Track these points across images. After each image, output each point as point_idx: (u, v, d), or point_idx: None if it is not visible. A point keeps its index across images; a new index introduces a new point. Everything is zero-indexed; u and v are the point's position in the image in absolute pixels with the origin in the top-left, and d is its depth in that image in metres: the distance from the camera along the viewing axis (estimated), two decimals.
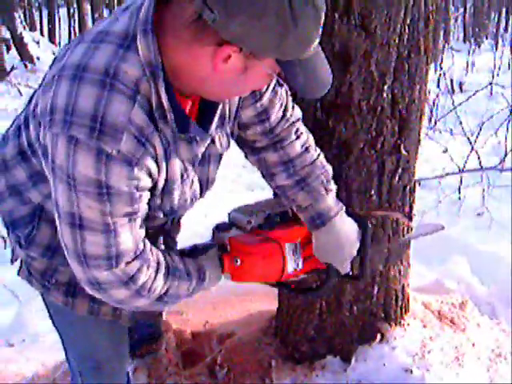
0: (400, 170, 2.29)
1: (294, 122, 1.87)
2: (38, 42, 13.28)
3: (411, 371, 2.40)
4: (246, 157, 1.96)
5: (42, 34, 16.39)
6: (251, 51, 1.35)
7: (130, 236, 1.48)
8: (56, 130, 1.35)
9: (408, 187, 2.36)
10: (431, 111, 7.62)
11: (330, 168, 1.93)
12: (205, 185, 1.77)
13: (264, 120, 1.81)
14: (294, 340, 2.58)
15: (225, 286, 3.31)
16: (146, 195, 1.49)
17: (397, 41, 2.11)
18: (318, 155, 1.91)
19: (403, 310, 2.60)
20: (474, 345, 2.67)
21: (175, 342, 2.82)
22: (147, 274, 1.56)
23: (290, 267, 1.86)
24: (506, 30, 19.29)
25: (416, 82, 2.20)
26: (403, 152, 2.26)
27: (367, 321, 2.50)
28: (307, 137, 1.91)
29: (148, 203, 1.53)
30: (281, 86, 1.77)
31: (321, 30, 1.38)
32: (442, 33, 15.17)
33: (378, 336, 2.50)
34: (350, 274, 2.01)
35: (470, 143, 5.44)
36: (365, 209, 2.29)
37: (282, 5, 1.28)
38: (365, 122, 2.18)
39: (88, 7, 15.44)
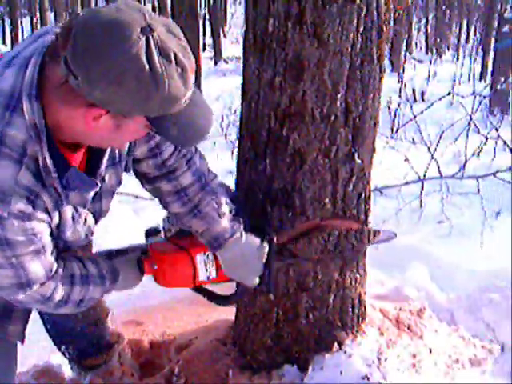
0: (354, 179, 2.30)
1: (185, 154, 1.95)
2: None
3: (368, 378, 2.40)
4: (142, 184, 2.05)
5: (4, 42, 16.24)
6: (118, 113, 1.42)
7: (39, 266, 1.63)
8: None
9: (363, 195, 2.37)
10: (393, 120, 7.70)
11: (222, 192, 2.05)
12: (98, 216, 1.87)
13: (156, 154, 1.90)
14: (252, 349, 2.57)
15: (182, 296, 3.31)
16: (46, 233, 1.62)
17: (350, 49, 2.11)
18: (212, 179, 2.02)
19: (360, 318, 2.60)
20: (431, 351, 2.68)
21: (132, 353, 2.79)
22: (62, 291, 1.73)
23: (202, 276, 2.01)
24: (466, 41, 19.61)
25: (369, 91, 2.21)
26: (357, 160, 2.27)
27: (324, 329, 2.49)
28: (199, 164, 2.00)
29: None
30: None
31: (191, 84, 1.43)
32: (404, 43, 15.35)
33: (335, 344, 2.49)
34: (263, 286, 2.12)
35: (430, 152, 5.50)
36: (319, 217, 2.29)
37: (142, 69, 1.31)
38: (318, 131, 2.18)
39: (51, 16, 15.36)
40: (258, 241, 2.07)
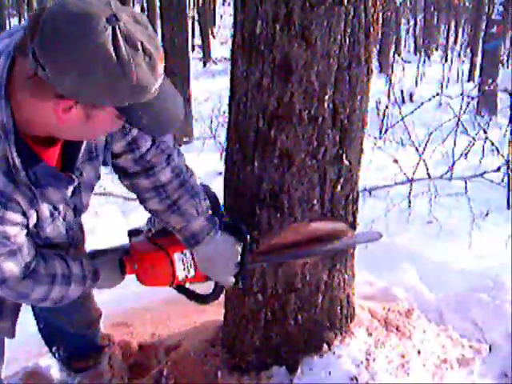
0: (342, 180, 2.30)
1: (163, 150, 1.97)
2: None
3: (356, 379, 2.41)
4: (120, 179, 2.05)
5: None
6: (87, 103, 1.42)
7: (14, 265, 1.65)
8: None
9: (351, 196, 2.38)
10: (382, 121, 7.73)
11: (200, 189, 2.07)
12: (78, 212, 1.91)
13: (134, 149, 1.91)
14: (241, 350, 2.57)
15: (171, 297, 3.31)
16: (21, 234, 1.64)
17: (337, 51, 2.12)
18: (190, 176, 2.04)
19: (348, 319, 2.61)
20: (419, 352, 2.69)
21: (121, 355, 2.79)
22: (41, 290, 1.77)
23: (181, 274, 2.03)
24: (455, 42, 19.70)
25: (357, 93, 2.22)
26: (345, 162, 2.28)
27: (312, 330, 2.50)
28: (178, 161, 2.02)
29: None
30: None
31: (160, 72, 1.43)
32: (393, 44, 15.39)
33: (324, 345, 2.50)
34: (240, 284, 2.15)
35: (418, 152, 5.52)
36: (307, 219, 2.29)
37: (109, 58, 1.32)
38: (306, 132, 2.19)
39: None
40: (232, 239, 2.10)
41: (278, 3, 2.06)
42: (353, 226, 2.43)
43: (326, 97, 2.16)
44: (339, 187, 2.31)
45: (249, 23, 2.15)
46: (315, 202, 2.29)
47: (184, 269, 2.03)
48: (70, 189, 1.75)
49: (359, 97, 2.24)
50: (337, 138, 2.23)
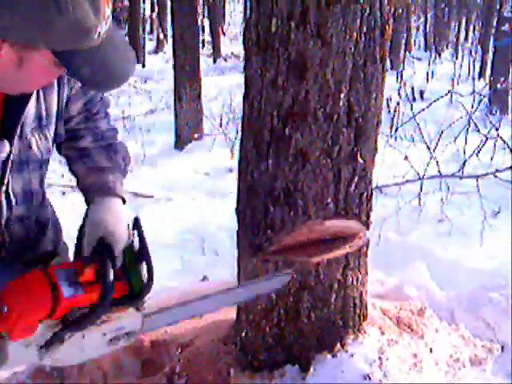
0: (356, 178, 2.30)
1: (106, 102, 1.85)
2: None
3: (369, 378, 2.41)
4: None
5: None
6: (18, 42, 1.26)
7: None
8: None
9: (365, 195, 2.37)
10: (392, 119, 7.71)
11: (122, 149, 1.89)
12: (22, 198, 1.67)
13: (89, 108, 1.79)
14: (253, 349, 2.57)
15: (183, 295, 3.31)
16: None
17: (353, 49, 2.12)
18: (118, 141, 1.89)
19: (361, 317, 2.61)
20: (431, 351, 2.68)
21: (133, 352, 2.79)
22: None
23: (67, 292, 1.50)
24: (465, 39, 19.62)
25: (372, 91, 2.22)
26: (359, 160, 2.27)
27: (325, 328, 2.50)
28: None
29: None
30: None
31: (105, 15, 1.28)
32: (403, 41, 15.35)
33: (337, 343, 2.50)
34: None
35: (429, 150, 5.51)
36: (321, 217, 2.29)
37: None
38: (321, 131, 2.18)
39: None
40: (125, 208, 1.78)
41: (293, 1, 2.05)
42: (366, 224, 2.43)
43: (342, 95, 2.15)
44: (353, 185, 2.31)
45: (264, 21, 2.14)
46: (329, 200, 2.28)
47: (70, 285, 1.51)
48: (3, 154, 1.54)
49: (374, 95, 2.24)
50: (352, 136, 2.22)
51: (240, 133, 2.42)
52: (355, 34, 2.10)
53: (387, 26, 2.19)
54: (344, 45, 2.10)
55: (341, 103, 2.17)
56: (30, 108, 1.57)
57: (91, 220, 1.66)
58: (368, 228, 2.45)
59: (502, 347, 2.93)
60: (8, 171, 1.59)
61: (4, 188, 1.60)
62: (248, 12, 2.27)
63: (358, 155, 2.26)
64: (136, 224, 1.60)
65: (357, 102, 2.19)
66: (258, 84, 2.22)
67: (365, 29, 2.12)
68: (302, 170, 2.23)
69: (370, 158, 2.35)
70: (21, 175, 1.63)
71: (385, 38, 2.19)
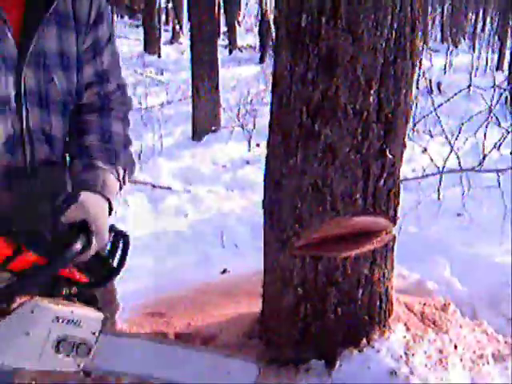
0: (385, 174, 2.30)
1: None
2: None
3: (396, 373, 2.41)
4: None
5: None
6: None
7: None
8: None
9: (393, 191, 2.37)
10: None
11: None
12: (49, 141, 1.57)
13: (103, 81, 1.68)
14: (279, 343, 2.58)
15: (205, 287, 3.32)
16: None
17: (383, 45, 2.11)
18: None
19: (387, 313, 2.61)
20: (456, 346, 2.68)
21: None
22: None
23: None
24: (482, 30, 19.46)
25: (402, 87, 2.21)
26: (389, 156, 2.27)
27: (352, 324, 2.50)
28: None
29: None
30: None
31: None
32: (420, 33, 15.26)
33: (363, 339, 2.50)
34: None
35: (450, 144, 5.47)
36: (349, 213, 2.29)
37: None
38: (351, 126, 2.18)
39: None
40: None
41: None
42: (394, 220, 2.42)
43: (372, 91, 2.15)
44: (382, 181, 2.30)
45: (294, 16, 2.14)
46: (358, 196, 2.28)
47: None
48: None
49: (403, 91, 2.23)
50: (381, 132, 2.22)
51: (268, 128, 2.42)
52: (386, 30, 2.10)
53: (417, 23, 2.19)
54: (375, 40, 2.09)
55: (371, 99, 2.16)
56: (51, 41, 1.51)
57: (80, 202, 1.50)
58: (395, 224, 2.45)
59: None
60: (26, 103, 1.50)
61: (24, 124, 1.50)
62: (274, 6, 2.27)
63: (387, 151, 2.26)
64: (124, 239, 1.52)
65: (387, 98, 2.19)
66: (288, 79, 2.22)
67: (395, 25, 2.11)
68: (330, 166, 2.23)
69: (399, 154, 2.35)
70: (40, 113, 1.54)
71: (415, 33, 2.19)
